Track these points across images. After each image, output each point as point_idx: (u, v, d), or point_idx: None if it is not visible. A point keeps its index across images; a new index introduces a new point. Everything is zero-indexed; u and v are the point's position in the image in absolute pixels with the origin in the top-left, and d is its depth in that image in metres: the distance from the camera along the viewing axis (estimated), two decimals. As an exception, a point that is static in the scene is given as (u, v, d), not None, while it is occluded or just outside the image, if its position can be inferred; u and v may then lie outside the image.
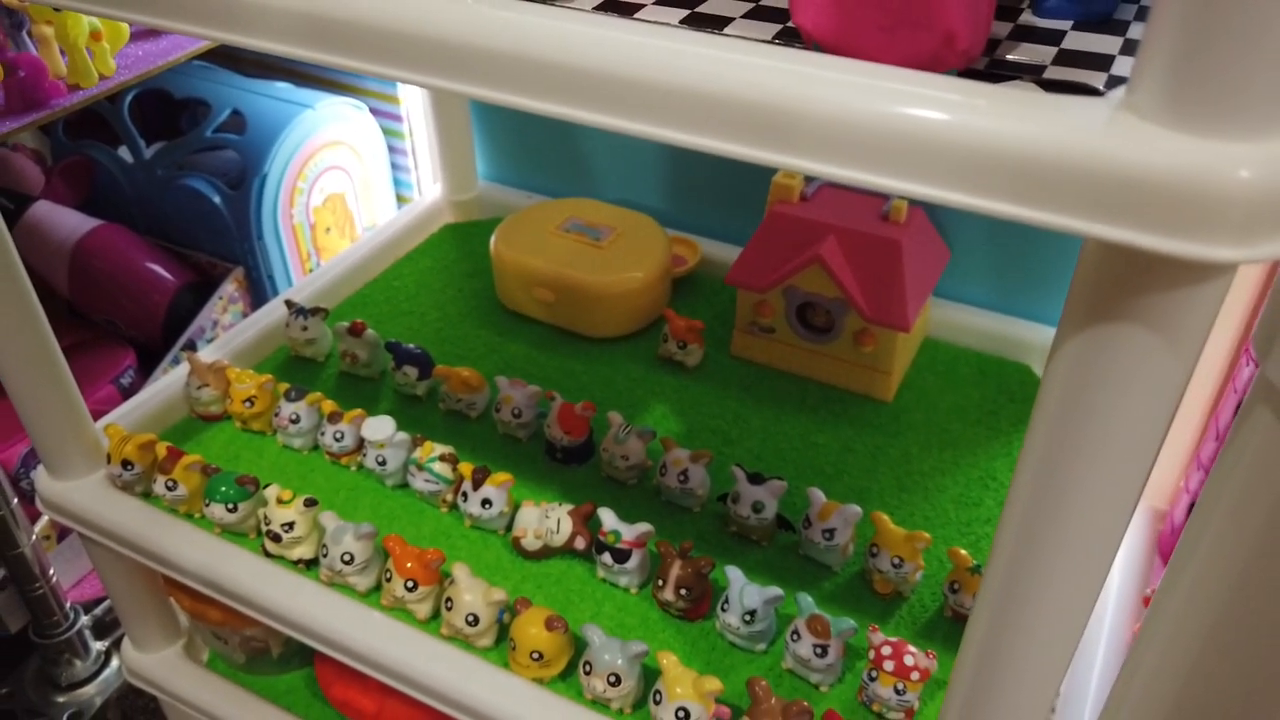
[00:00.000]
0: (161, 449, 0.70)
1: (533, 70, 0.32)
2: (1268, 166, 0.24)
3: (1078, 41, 0.35)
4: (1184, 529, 0.34)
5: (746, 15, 0.36)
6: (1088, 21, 0.36)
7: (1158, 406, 0.29)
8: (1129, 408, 0.29)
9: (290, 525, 0.65)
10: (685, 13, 0.36)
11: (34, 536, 0.88)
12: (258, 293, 1.07)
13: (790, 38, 0.34)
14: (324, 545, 0.65)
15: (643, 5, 0.36)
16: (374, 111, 1.12)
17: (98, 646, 0.97)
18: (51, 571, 0.90)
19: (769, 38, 0.35)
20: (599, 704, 0.58)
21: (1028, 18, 0.37)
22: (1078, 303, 0.28)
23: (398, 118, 1.12)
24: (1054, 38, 0.35)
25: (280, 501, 0.66)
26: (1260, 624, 0.32)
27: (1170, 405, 0.29)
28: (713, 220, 0.96)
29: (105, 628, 0.98)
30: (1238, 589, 0.32)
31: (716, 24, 0.36)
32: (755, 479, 0.66)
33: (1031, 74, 0.33)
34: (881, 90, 0.26)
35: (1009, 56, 0.34)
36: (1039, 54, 0.34)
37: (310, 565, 0.67)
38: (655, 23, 0.35)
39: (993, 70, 0.33)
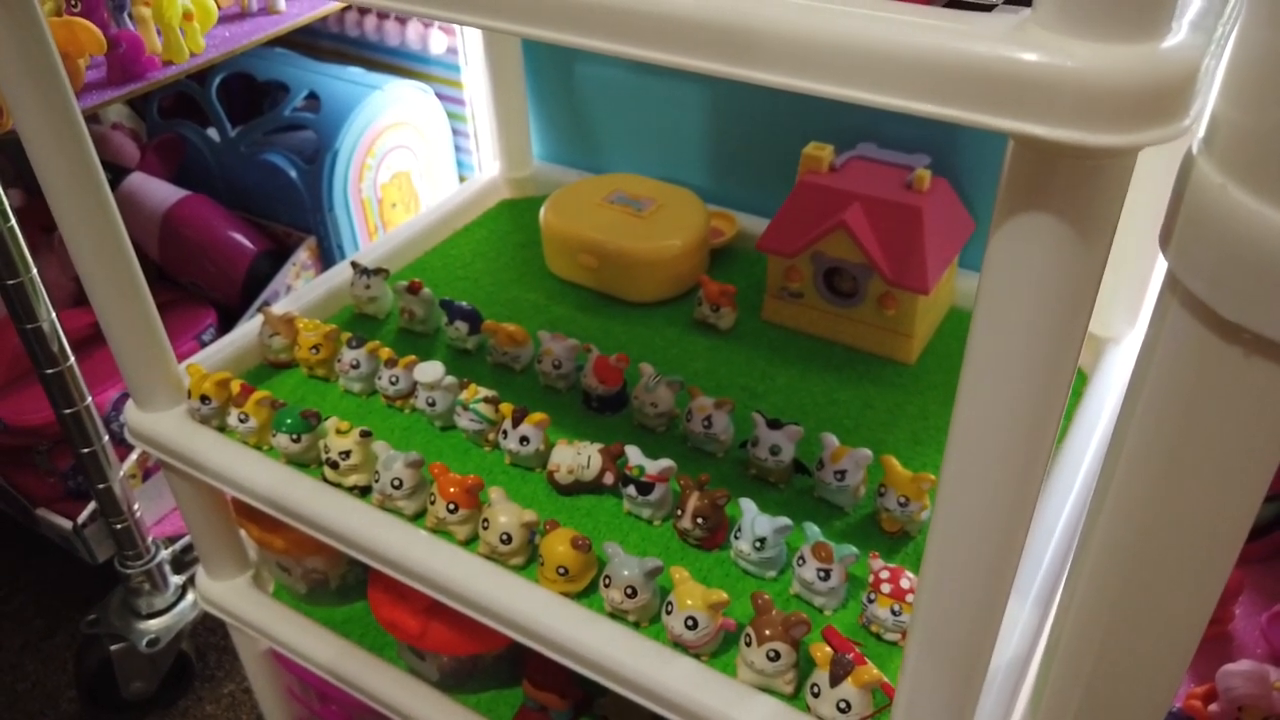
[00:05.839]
0: (235, 385, 0.77)
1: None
2: (1144, 65, 0.28)
3: (1033, -13, 0.39)
4: (1114, 425, 0.38)
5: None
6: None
7: (1074, 290, 0.33)
8: (1048, 291, 0.33)
9: (347, 454, 0.72)
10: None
11: (121, 473, 0.96)
12: (328, 261, 1.15)
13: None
14: (376, 472, 0.71)
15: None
16: (439, 96, 1.20)
17: (175, 580, 1.05)
18: (136, 506, 0.98)
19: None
20: (618, 615, 0.63)
21: (994, -30, 0.41)
22: (1002, 201, 0.33)
23: (461, 101, 1.19)
24: (1012, -15, 0.39)
25: (339, 432, 0.73)
26: (1185, 508, 0.35)
27: (1086, 290, 0.33)
28: (751, 196, 1.01)
29: (183, 565, 1.07)
30: (1162, 475, 0.35)
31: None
32: (774, 424, 0.71)
33: (983, 10, 0.37)
34: (826, 11, 0.31)
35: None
36: (995, -3, 0.38)
37: (364, 492, 0.73)
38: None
39: (949, 6, 0.37)
